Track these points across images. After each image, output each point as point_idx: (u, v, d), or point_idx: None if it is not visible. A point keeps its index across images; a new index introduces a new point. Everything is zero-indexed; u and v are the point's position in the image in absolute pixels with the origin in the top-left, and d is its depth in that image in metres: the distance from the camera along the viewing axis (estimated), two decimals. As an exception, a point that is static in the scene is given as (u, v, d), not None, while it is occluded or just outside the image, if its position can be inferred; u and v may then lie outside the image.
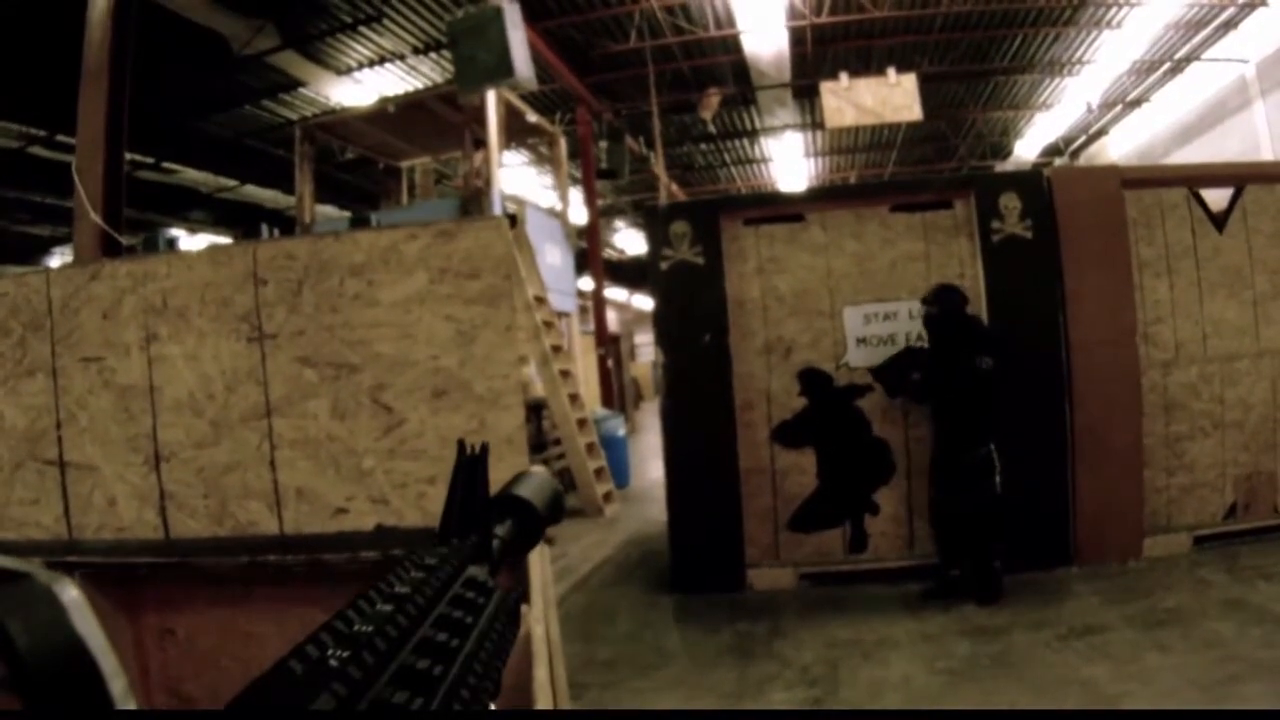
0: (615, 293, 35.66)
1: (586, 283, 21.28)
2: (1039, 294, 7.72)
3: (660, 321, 8.12)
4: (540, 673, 2.72)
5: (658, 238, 8.02)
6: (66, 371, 4.73)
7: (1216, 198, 8.17)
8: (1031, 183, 7.96)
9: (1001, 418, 7.06)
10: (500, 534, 0.92)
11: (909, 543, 7.52)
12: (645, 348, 44.03)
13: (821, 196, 10.72)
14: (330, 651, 0.58)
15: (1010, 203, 7.72)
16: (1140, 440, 7.77)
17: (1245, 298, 8.06)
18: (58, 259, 23.04)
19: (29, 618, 0.67)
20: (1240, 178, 8.38)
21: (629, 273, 35.24)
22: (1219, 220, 8.03)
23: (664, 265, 7.96)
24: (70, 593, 0.70)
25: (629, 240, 34.56)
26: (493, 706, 0.68)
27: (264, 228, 9.48)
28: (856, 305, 7.85)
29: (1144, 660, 5.62)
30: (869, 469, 7.79)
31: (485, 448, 0.93)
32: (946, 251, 7.91)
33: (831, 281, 7.95)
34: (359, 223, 8.60)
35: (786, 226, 8.04)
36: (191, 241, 20.64)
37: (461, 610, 0.72)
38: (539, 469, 1.10)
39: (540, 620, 3.25)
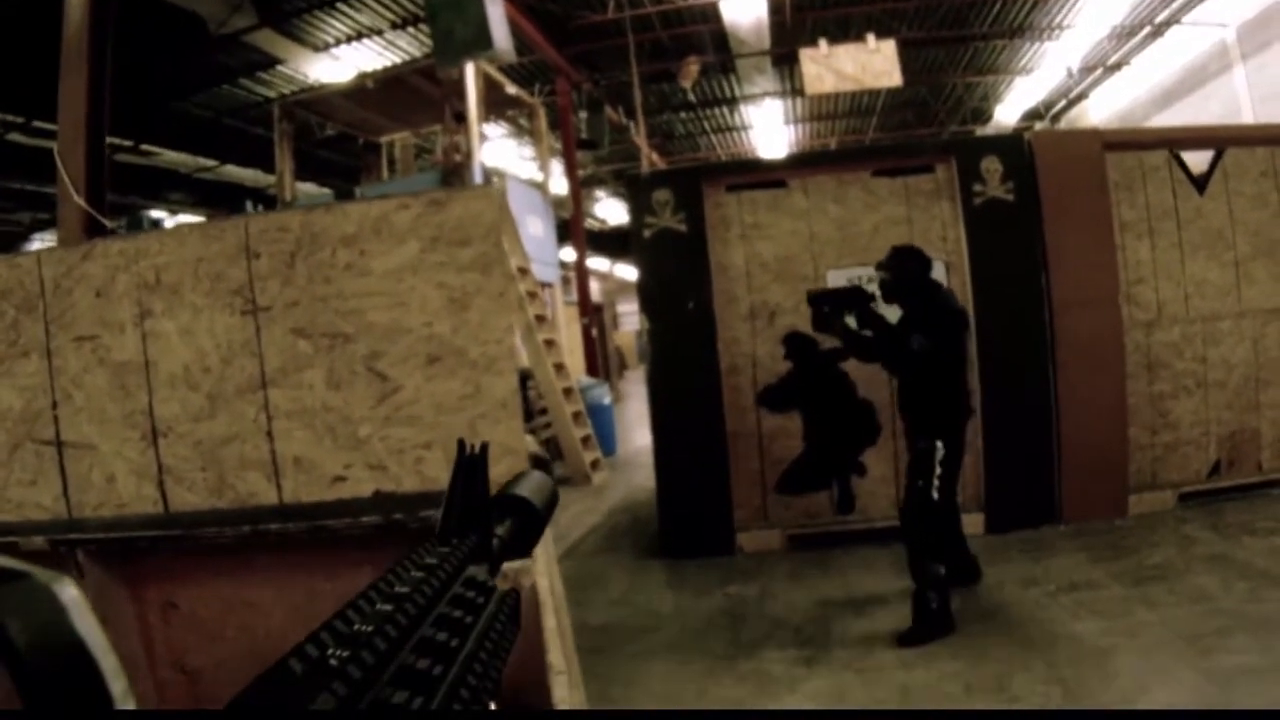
0: (597, 262, 35.69)
1: (568, 253, 21.28)
2: (1021, 256, 7.75)
3: (645, 289, 8.14)
4: (549, 621, 2.75)
5: (640, 206, 8.03)
6: (61, 351, 4.71)
7: (1197, 160, 8.21)
8: (1013, 146, 7.98)
9: (955, 409, 6.08)
10: (500, 534, 0.93)
11: (896, 503, 7.53)
12: (628, 316, 44.04)
13: (803, 162, 10.76)
14: (330, 651, 0.58)
15: (992, 166, 7.73)
16: (1124, 399, 7.82)
17: (1226, 259, 8.10)
18: (38, 244, 22.95)
19: (28, 618, 0.65)
20: (1220, 140, 8.41)
21: (610, 242, 35.26)
22: (1200, 182, 8.06)
23: (647, 233, 7.98)
24: (70, 592, 0.70)
25: (610, 210, 34.55)
26: (493, 706, 0.68)
27: (249, 204, 9.48)
28: (840, 269, 7.86)
29: (1132, 615, 5.67)
30: (855, 431, 7.83)
31: (485, 448, 0.93)
32: (929, 215, 7.94)
33: (815, 246, 7.97)
34: (344, 197, 8.57)
35: (769, 192, 8.06)
36: (172, 223, 20.60)
37: (461, 610, 0.73)
38: (537, 471, 1.11)
39: (544, 574, 3.28)
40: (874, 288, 6.42)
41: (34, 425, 4.76)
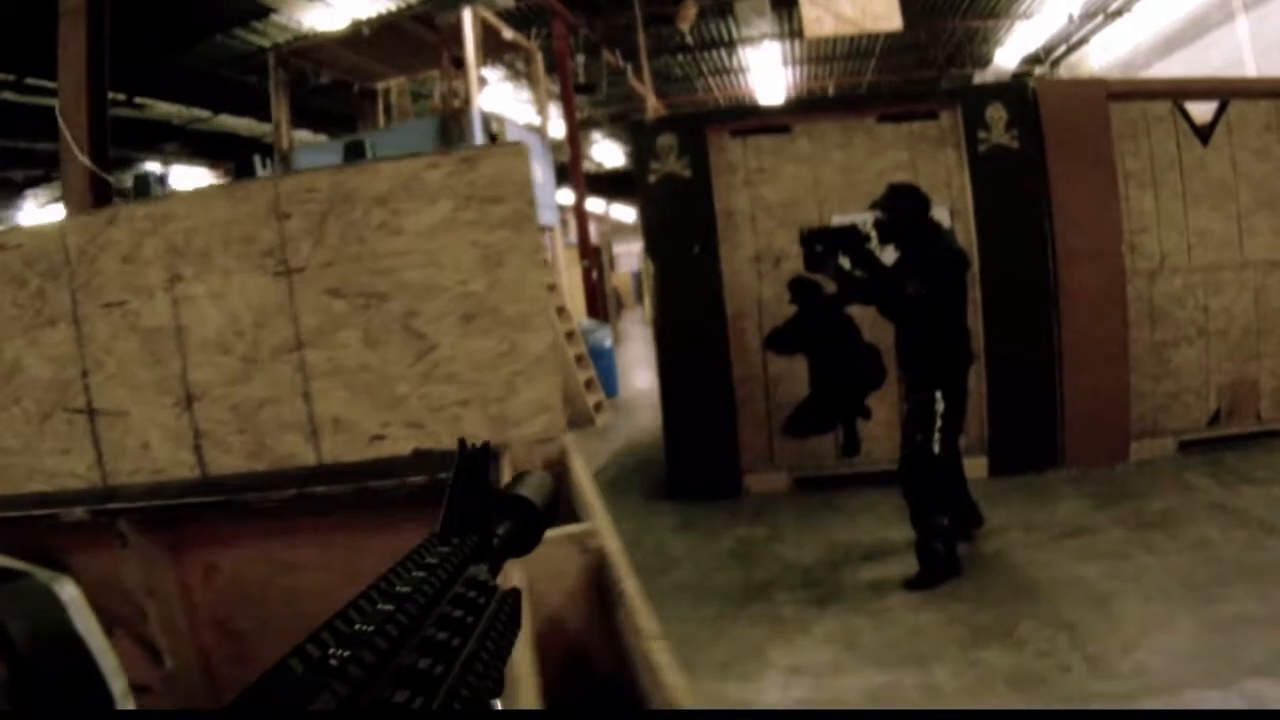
0: (594, 204, 35.54)
1: (565, 195, 21.22)
2: (1025, 204, 7.77)
3: (650, 234, 8.17)
4: (629, 584, 2.76)
5: (645, 151, 8.03)
6: (89, 319, 4.68)
7: (1201, 111, 8.21)
8: (1017, 94, 7.97)
9: (954, 357, 5.94)
10: (501, 533, 0.92)
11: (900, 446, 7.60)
12: (625, 258, 43.92)
13: (808, 107, 10.75)
14: (331, 651, 0.57)
15: (996, 113, 7.73)
16: (1126, 348, 7.89)
17: (1229, 210, 8.13)
18: (31, 201, 22.88)
19: (29, 617, 0.66)
20: (1225, 92, 8.43)
21: (607, 184, 35.17)
22: (1204, 134, 8.07)
23: (652, 179, 7.99)
24: (69, 592, 0.71)
25: (606, 152, 34.40)
26: (496, 705, 0.68)
27: (257, 160, 9.43)
28: (844, 214, 7.85)
29: (1134, 560, 5.76)
30: (860, 374, 7.87)
31: (487, 446, 0.92)
32: (933, 162, 7.95)
33: (819, 192, 7.99)
34: (353, 149, 8.51)
35: (773, 138, 8.07)
36: (170, 175, 20.51)
37: (463, 610, 0.71)
38: (539, 471, 1.09)
39: (610, 534, 3.27)
40: (871, 229, 6.20)
41: (64, 394, 4.72)
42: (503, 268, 4.26)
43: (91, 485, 4.61)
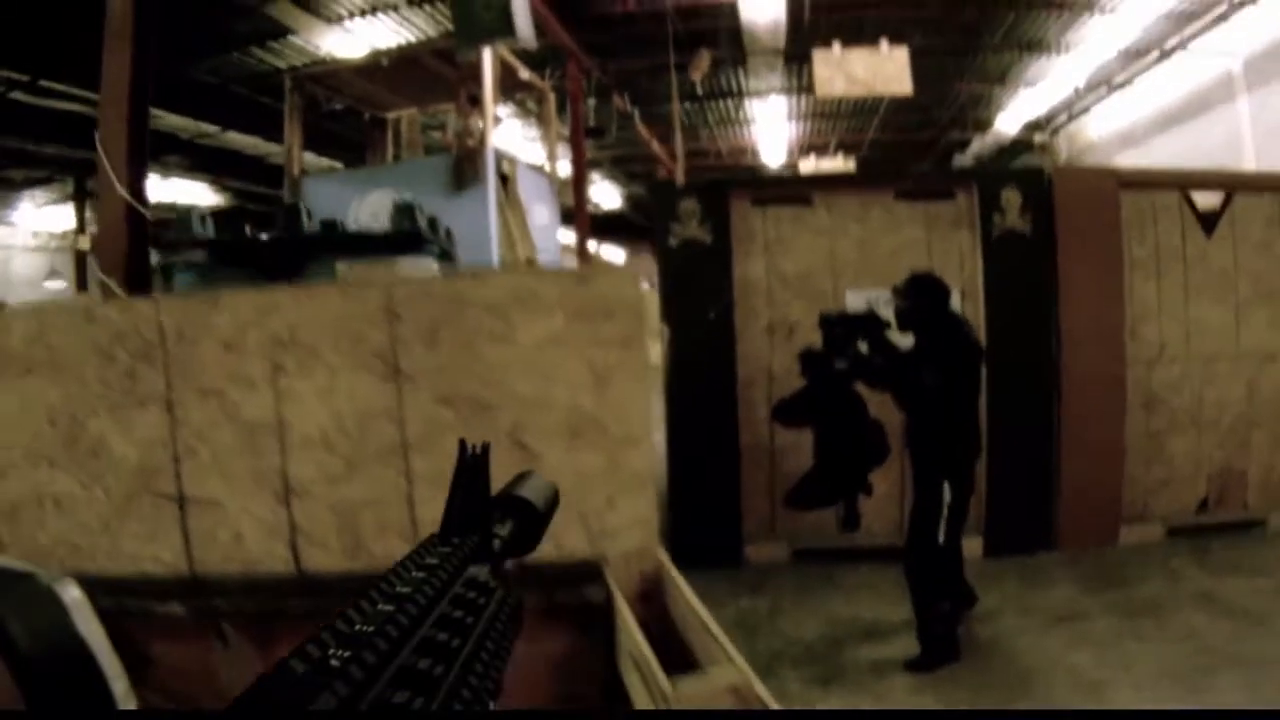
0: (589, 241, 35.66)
1: (564, 233, 21.21)
2: (1035, 288, 7.91)
3: (667, 297, 8.22)
4: (690, 595, 2.80)
5: (667, 214, 8.11)
6: (183, 404, 4.69)
7: (1206, 199, 8.37)
8: (1033, 179, 8.14)
9: (964, 447, 6.10)
10: (501, 534, 0.94)
11: (900, 524, 7.64)
12: (610, 299, 43.85)
13: (828, 181, 10.87)
14: (331, 651, 0.59)
15: (1011, 197, 7.87)
16: (1123, 434, 8.01)
17: (1228, 301, 8.28)
18: (27, 201, 22.79)
19: (31, 618, 0.69)
20: (1232, 185, 8.60)
21: (602, 224, 35.21)
22: (1208, 224, 8.22)
23: (673, 242, 8.07)
24: (72, 593, 0.74)
25: (604, 193, 34.45)
26: (493, 706, 0.68)
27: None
28: (858, 289, 7.99)
29: (1124, 648, 5.89)
30: (865, 450, 7.92)
31: (486, 448, 0.92)
32: (947, 242, 8.07)
33: (835, 265, 8.10)
34: (404, 211, 8.41)
35: (793, 209, 8.17)
36: (165, 186, 20.46)
37: (462, 610, 0.73)
38: (539, 473, 1.10)
39: (663, 550, 3.28)
40: (889, 312, 6.33)
41: (152, 478, 4.69)
42: (611, 385, 4.32)
43: (177, 573, 4.58)
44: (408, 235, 8.11)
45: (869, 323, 6.18)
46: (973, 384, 6.12)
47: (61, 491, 4.76)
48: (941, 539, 5.84)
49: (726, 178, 20.27)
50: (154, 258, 7.42)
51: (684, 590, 3.86)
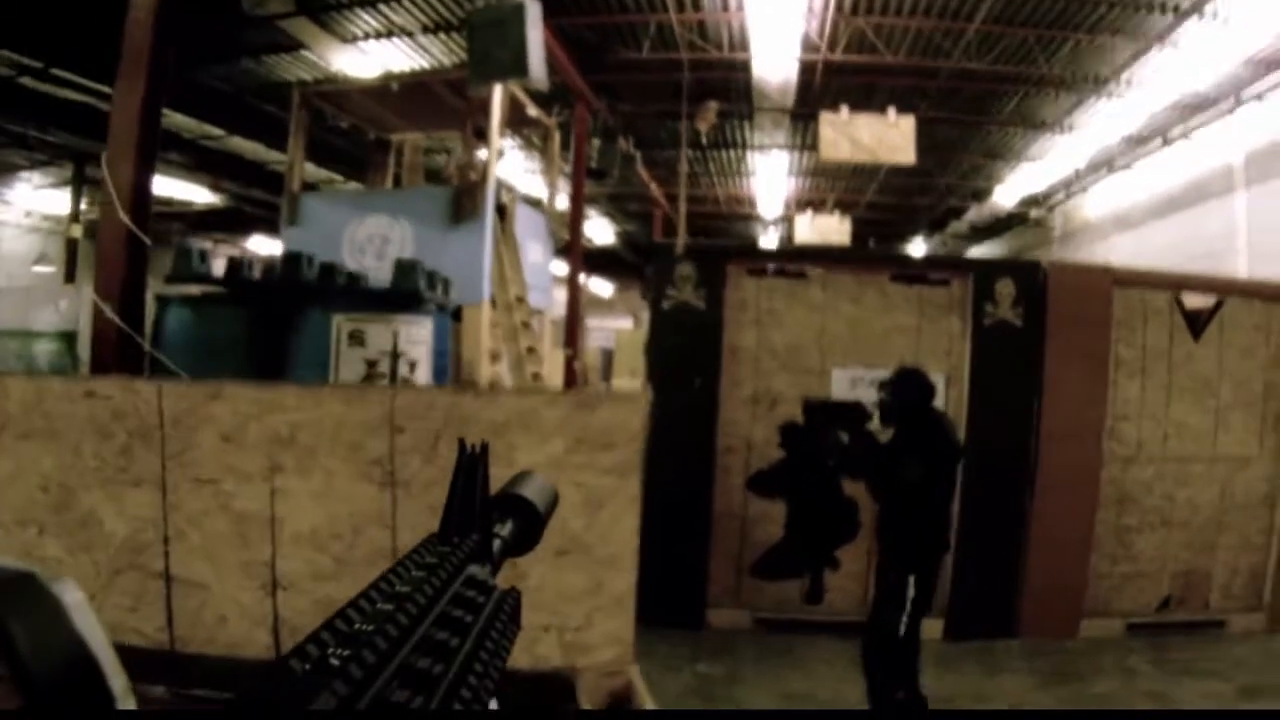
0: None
1: (556, 266, 21.24)
2: (1020, 380, 7.99)
3: (654, 358, 8.30)
4: None
5: (663, 277, 8.17)
6: (178, 489, 4.73)
7: (1197, 301, 8.45)
8: (1028, 272, 8.24)
9: (933, 542, 6.04)
10: (501, 534, 0.94)
11: (864, 600, 7.67)
12: (596, 332, 43.68)
13: (826, 257, 10.90)
14: (331, 650, 0.59)
15: (1005, 289, 7.95)
16: (1092, 529, 8.09)
17: (1209, 405, 8.35)
18: (24, 184, 22.74)
19: (31, 618, 0.67)
20: (1224, 290, 8.70)
21: (593, 259, 35.24)
22: (1197, 327, 8.30)
23: (666, 305, 8.13)
24: (72, 593, 0.74)
25: (597, 228, 34.48)
26: (493, 706, 0.68)
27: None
28: (845, 368, 8.05)
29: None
30: (836, 526, 7.96)
31: (485, 447, 0.93)
32: (938, 327, 8.14)
33: (825, 341, 8.16)
34: (405, 269, 8.45)
35: (788, 281, 8.25)
36: (164, 185, 20.41)
37: (462, 609, 0.73)
38: (539, 473, 1.10)
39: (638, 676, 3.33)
40: (872, 395, 6.41)
41: (141, 555, 4.74)
42: (602, 510, 4.39)
43: (159, 646, 4.63)
44: (407, 293, 8.15)
45: (852, 413, 6.19)
46: (948, 483, 6.06)
47: (49, 556, 4.76)
48: (902, 630, 5.76)
49: (725, 246, 20.40)
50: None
51: (651, 710, 3.92)
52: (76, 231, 21.74)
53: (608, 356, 36.34)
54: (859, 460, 6.05)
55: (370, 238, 12.71)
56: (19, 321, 14.18)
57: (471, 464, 0.91)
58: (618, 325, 33.23)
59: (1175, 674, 7.27)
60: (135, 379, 5.23)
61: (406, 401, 4.66)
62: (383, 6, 14.59)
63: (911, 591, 5.74)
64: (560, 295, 20.07)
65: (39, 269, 25.83)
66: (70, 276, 20.97)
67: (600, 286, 42.40)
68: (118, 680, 0.69)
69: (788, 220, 30.04)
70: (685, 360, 8.12)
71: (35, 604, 0.67)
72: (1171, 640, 8.02)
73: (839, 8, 14.79)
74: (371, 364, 7.60)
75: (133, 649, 4.52)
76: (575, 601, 4.38)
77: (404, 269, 8.35)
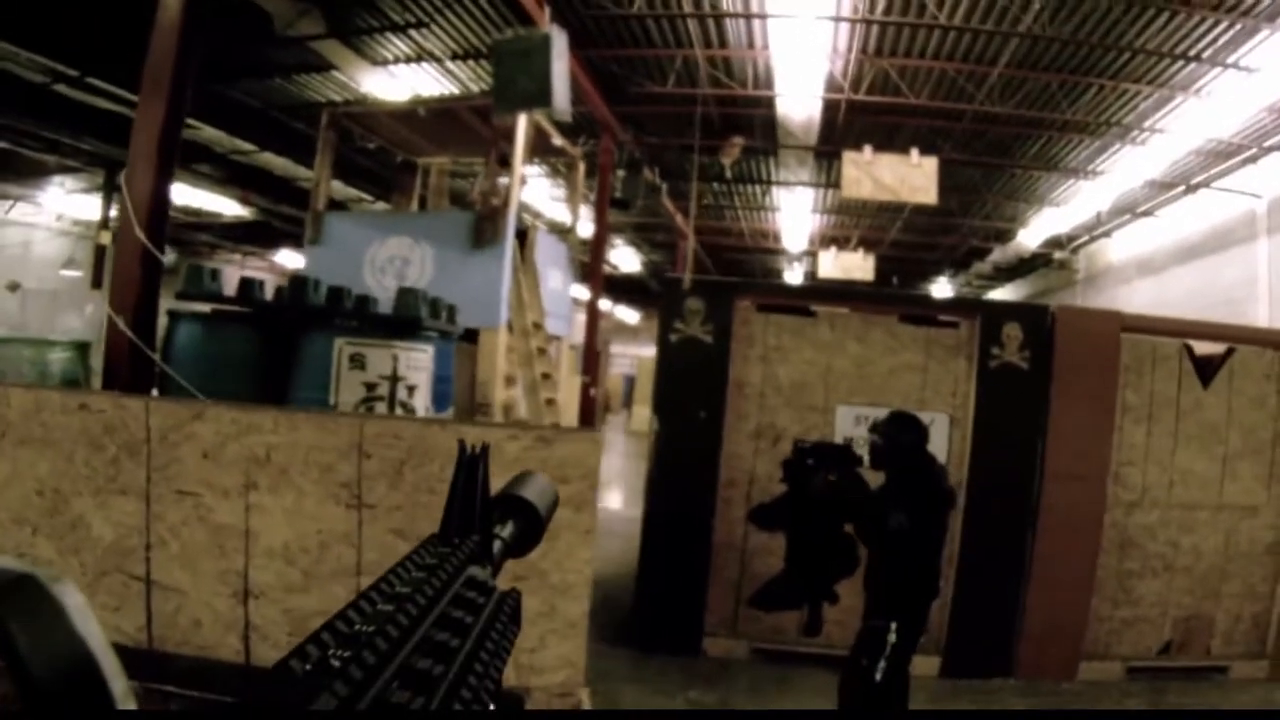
0: (602, 303, 35.80)
1: (578, 290, 21.34)
2: (1024, 423, 8.00)
3: (661, 391, 8.35)
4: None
5: (671, 310, 8.24)
6: (161, 499, 4.94)
7: (1207, 348, 8.45)
8: (1036, 316, 8.23)
9: (918, 590, 5.81)
10: (501, 534, 0.94)
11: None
12: (619, 359, 43.69)
13: (834, 295, 10.96)
14: (331, 651, 0.59)
15: (1012, 332, 7.98)
16: (1094, 572, 8.05)
17: (1216, 453, 8.31)
18: (56, 187, 22.97)
19: (30, 618, 0.68)
20: (1234, 338, 8.69)
21: (619, 286, 35.33)
22: (1206, 375, 8.30)
23: (674, 338, 8.19)
24: (72, 594, 0.78)
25: (623, 256, 34.60)
26: (492, 706, 0.68)
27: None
28: (850, 405, 8.09)
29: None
30: (835, 560, 7.99)
31: (485, 448, 0.93)
32: (944, 369, 8.17)
33: (830, 379, 8.19)
34: (405, 295, 8.59)
35: (795, 318, 8.29)
36: (194, 196, 20.65)
37: (462, 610, 0.73)
38: (539, 473, 1.11)
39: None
40: (865, 436, 6.34)
41: (125, 559, 4.94)
42: (557, 540, 4.50)
43: (137, 643, 4.79)
44: (408, 320, 8.27)
45: (842, 455, 6.14)
46: (940, 530, 5.89)
47: (40, 556, 4.96)
48: (878, 677, 5.52)
49: (734, 281, 20.41)
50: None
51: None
52: (105, 238, 21.90)
53: (630, 383, 36.40)
54: (845, 505, 6.01)
55: (391, 259, 12.81)
56: (45, 324, 14.34)
57: (472, 465, 0.92)
58: (643, 353, 33.31)
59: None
60: (126, 395, 5.40)
61: (375, 430, 4.82)
62: (413, 32, 14.77)
63: (893, 638, 5.54)
64: (583, 320, 20.19)
65: (67, 273, 26.05)
66: (97, 282, 21.14)
67: (626, 314, 42.51)
68: (118, 683, 0.74)
69: (812, 255, 30.10)
70: (691, 393, 8.18)
71: (36, 605, 0.71)
72: (1171, 685, 8.01)
73: (863, 49, 14.93)
74: (370, 387, 7.71)
75: (114, 646, 4.65)
76: (529, 623, 4.46)
77: (405, 295, 8.46)
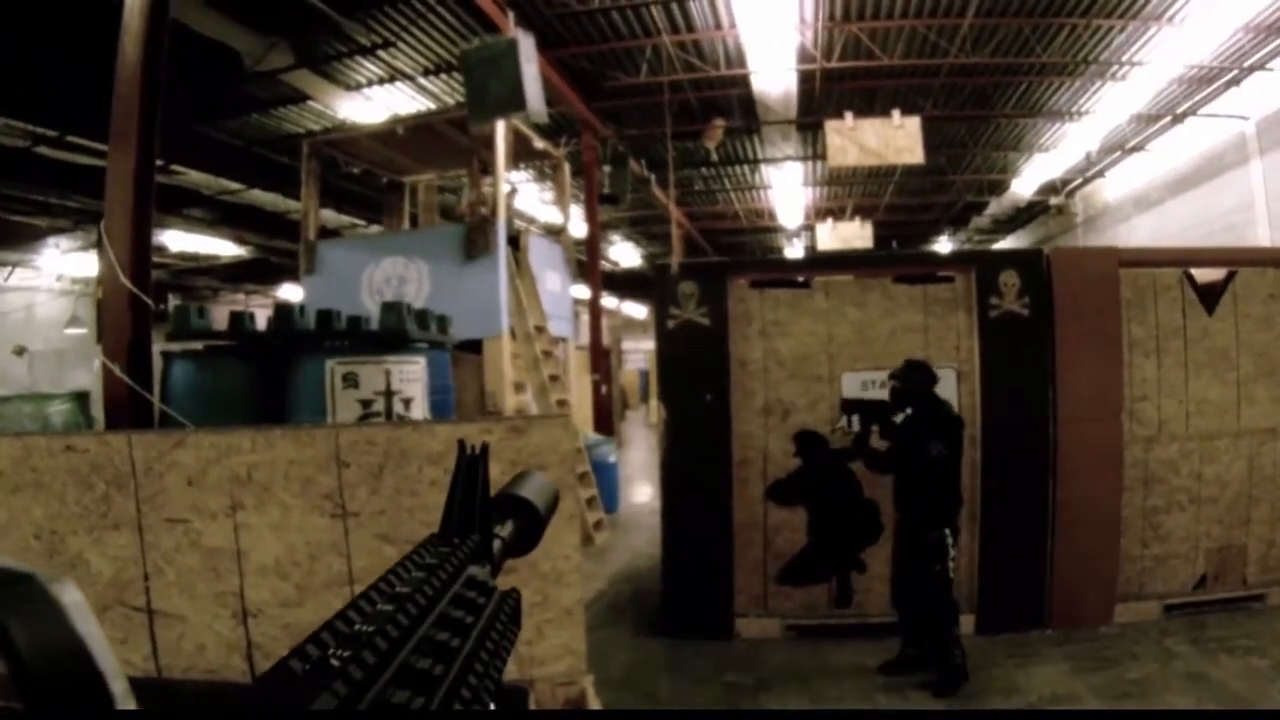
0: (607, 300, 35.79)
1: (579, 289, 21.37)
2: (1032, 370, 7.95)
3: (665, 378, 8.32)
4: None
5: (666, 297, 8.21)
6: (153, 529, 5.01)
7: (1208, 275, 8.39)
8: (1031, 262, 8.17)
9: (956, 503, 6.84)
10: (501, 534, 0.94)
11: (891, 599, 7.63)
12: (632, 355, 43.75)
13: (827, 264, 10.93)
14: (331, 651, 0.59)
15: (1009, 280, 7.93)
16: (1119, 513, 7.99)
17: (1229, 378, 8.26)
18: (52, 250, 23.04)
19: (30, 618, 0.68)
20: (1234, 261, 8.64)
21: (622, 282, 35.33)
22: (1210, 302, 8.23)
23: (671, 324, 8.17)
24: (72, 594, 0.77)
25: (623, 252, 34.59)
26: (492, 706, 0.68)
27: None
28: (855, 371, 8.05)
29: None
30: (858, 529, 7.97)
31: (485, 448, 0.93)
32: (945, 324, 8.12)
33: (832, 347, 8.14)
34: (391, 309, 8.64)
35: (791, 291, 8.24)
36: (188, 241, 20.70)
37: (462, 610, 0.73)
38: (539, 473, 1.13)
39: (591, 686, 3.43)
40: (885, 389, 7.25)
41: (124, 591, 4.99)
42: None
43: (146, 675, 4.83)
44: (395, 333, 8.29)
45: (880, 409, 7.14)
46: (959, 450, 6.87)
47: None
48: (951, 574, 6.70)
49: (724, 261, 20.36)
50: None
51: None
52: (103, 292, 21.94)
53: (645, 378, 36.43)
54: (885, 455, 7.03)
55: (388, 279, 12.87)
56: (53, 383, 14.40)
57: (472, 465, 0.92)
58: (652, 347, 33.20)
59: (1215, 652, 7.16)
60: (108, 432, 5.50)
61: (350, 438, 4.86)
62: (381, 53, 14.76)
63: (950, 540, 6.67)
64: (585, 318, 20.20)
65: (71, 331, 26.13)
66: (101, 337, 21.18)
67: (634, 310, 42.50)
68: (118, 683, 0.72)
69: (809, 229, 30.09)
70: (695, 377, 8.14)
71: (35, 604, 0.70)
72: (1210, 619, 7.94)
73: (830, 16, 14.88)
74: (366, 404, 7.74)
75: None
76: (525, 615, 4.47)
77: (390, 310, 8.48)
